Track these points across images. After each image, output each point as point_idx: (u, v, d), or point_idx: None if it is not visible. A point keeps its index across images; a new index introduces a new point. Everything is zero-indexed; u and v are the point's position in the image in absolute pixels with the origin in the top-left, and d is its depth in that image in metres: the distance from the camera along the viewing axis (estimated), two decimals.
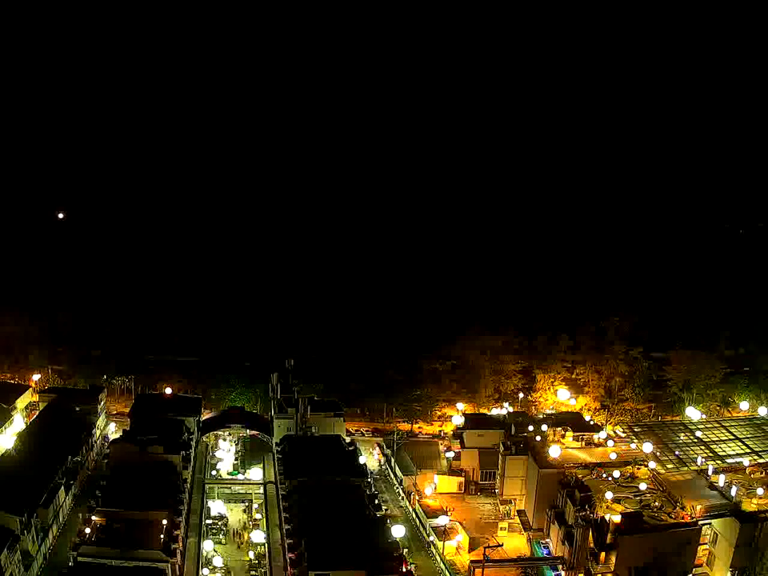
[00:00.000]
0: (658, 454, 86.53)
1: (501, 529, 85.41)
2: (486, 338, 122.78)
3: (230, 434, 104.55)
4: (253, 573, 77.05)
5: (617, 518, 72.70)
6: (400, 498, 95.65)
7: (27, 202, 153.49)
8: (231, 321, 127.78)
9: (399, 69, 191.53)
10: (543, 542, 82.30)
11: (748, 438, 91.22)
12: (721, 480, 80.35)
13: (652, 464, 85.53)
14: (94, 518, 72.25)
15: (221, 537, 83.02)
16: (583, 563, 72.77)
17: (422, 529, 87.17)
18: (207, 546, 78.47)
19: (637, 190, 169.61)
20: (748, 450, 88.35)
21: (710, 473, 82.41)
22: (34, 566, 70.83)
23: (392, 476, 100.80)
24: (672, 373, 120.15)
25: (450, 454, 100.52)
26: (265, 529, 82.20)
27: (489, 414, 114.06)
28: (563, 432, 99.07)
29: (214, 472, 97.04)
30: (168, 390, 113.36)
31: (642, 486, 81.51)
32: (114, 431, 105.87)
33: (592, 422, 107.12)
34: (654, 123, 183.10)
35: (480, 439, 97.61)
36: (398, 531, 77.22)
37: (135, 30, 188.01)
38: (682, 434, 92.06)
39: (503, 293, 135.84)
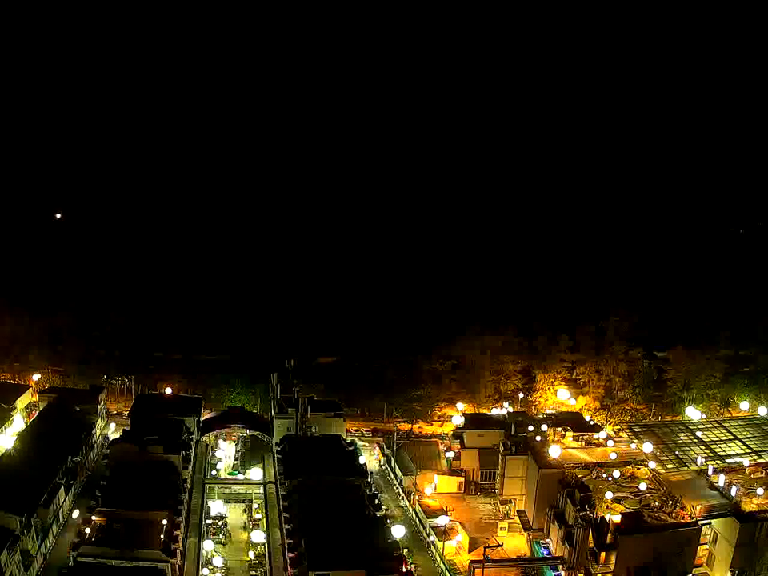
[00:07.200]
0: (658, 454, 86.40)
1: (501, 529, 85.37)
2: (486, 337, 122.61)
3: (230, 434, 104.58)
4: (253, 573, 77.18)
5: (617, 518, 72.53)
6: (400, 498, 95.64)
7: (26, 202, 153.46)
8: (231, 321, 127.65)
9: (399, 68, 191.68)
10: (543, 541, 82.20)
11: (748, 437, 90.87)
12: (721, 480, 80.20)
13: (652, 464, 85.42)
14: (94, 517, 72.20)
15: (221, 537, 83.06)
16: (583, 563, 72.79)
17: (421, 529, 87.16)
18: (207, 545, 78.55)
19: (636, 189, 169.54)
20: (748, 450, 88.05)
21: (710, 473, 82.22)
22: (34, 565, 70.75)
23: (392, 476, 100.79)
24: (672, 373, 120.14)
25: (450, 454, 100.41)
26: (265, 529, 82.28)
27: (489, 414, 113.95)
28: (563, 432, 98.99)
29: (213, 472, 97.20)
30: (168, 390, 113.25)
31: (642, 486, 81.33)
32: (113, 431, 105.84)
33: (592, 422, 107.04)
34: (654, 123, 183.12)
35: (480, 439, 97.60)
36: (397, 531, 77.33)
37: (134, 29, 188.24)
38: (682, 434, 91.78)
39: (503, 293, 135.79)
